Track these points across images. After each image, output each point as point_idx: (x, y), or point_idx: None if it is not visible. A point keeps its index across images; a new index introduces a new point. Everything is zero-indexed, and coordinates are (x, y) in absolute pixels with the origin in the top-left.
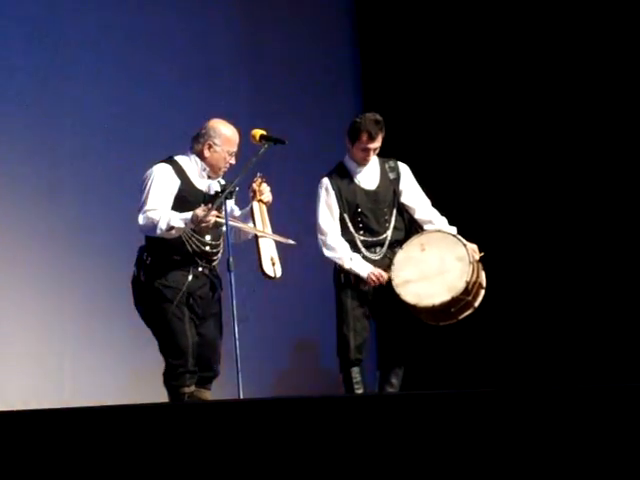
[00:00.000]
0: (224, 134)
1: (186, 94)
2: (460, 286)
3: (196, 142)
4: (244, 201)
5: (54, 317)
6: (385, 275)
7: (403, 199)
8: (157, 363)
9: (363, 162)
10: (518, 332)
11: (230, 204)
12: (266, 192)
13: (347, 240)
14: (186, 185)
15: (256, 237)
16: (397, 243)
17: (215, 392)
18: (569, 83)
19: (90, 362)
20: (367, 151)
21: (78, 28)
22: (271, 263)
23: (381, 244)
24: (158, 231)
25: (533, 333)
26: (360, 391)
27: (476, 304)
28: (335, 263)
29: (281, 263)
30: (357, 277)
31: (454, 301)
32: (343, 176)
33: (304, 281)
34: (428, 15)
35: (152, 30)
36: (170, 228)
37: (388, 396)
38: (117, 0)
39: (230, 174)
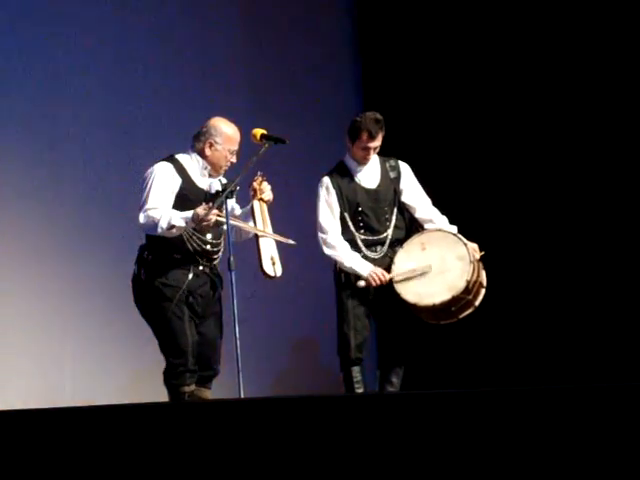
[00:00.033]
0: (225, 132)
1: (186, 94)
2: (461, 285)
3: (197, 140)
4: (244, 200)
5: (54, 317)
6: (387, 275)
7: (404, 198)
8: (157, 363)
9: (363, 161)
10: (518, 331)
11: (231, 203)
12: (267, 191)
13: (348, 239)
14: (187, 183)
15: (256, 236)
16: (398, 242)
17: (216, 391)
18: (569, 81)
19: (90, 362)
20: (367, 150)
21: (77, 20)
22: (271, 262)
23: (382, 243)
24: (159, 230)
25: (533, 332)
26: (360, 390)
27: (477, 303)
28: (335, 262)
29: (281, 262)
30: (356, 276)
31: (454, 300)
32: (344, 175)
33: (304, 280)
34: (428, 15)
35: (152, 30)
36: (171, 227)
37: (388, 395)
38: None
39: (231, 172)
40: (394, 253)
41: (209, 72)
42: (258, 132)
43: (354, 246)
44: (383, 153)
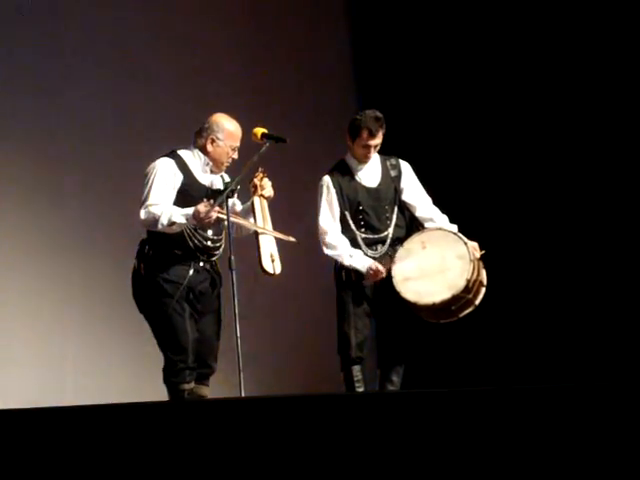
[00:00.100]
0: (227, 129)
1: (186, 93)
2: (461, 284)
3: (199, 136)
4: (245, 198)
5: (55, 317)
6: (382, 268)
7: (404, 197)
8: (158, 363)
9: (364, 159)
10: (519, 330)
11: (232, 199)
12: (267, 187)
13: (349, 238)
14: (189, 179)
15: (256, 234)
16: (398, 241)
17: (216, 390)
18: (568, 78)
19: (91, 362)
20: (368, 148)
21: (77, 20)
22: (271, 260)
23: (382, 242)
24: (159, 226)
25: (534, 331)
26: (361, 389)
27: (477, 302)
28: (336, 261)
29: (281, 260)
30: (358, 274)
31: (454, 299)
32: (344, 173)
33: (304, 279)
34: (426, 14)
35: (153, 30)
36: (171, 223)
37: (389, 394)
38: None
39: (232, 169)
40: (394, 252)
41: (209, 72)
42: (259, 131)
43: (355, 245)
44: (383, 152)
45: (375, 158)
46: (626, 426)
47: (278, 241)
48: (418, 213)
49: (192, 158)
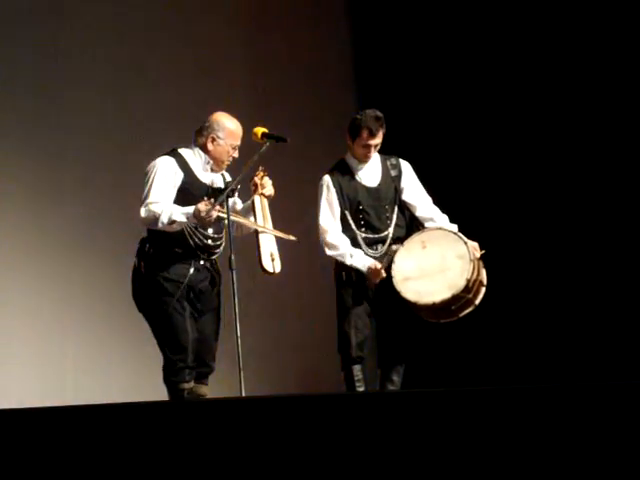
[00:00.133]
0: (228, 127)
1: (186, 93)
2: (461, 284)
3: (199, 135)
4: (245, 196)
5: (55, 316)
6: (379, 265)
7: (404, 196)
8: (158, 362)
9: (364, 159)
10: (519, 330)
11: (232, 198)
12: (268, 185)
13: (349, 237)
14: (190, 178)
15: (256, 232)
16: (398, 240)
17: (217, 390)
18: (568, 78)
19: (91, 361)
20: (368, 147)
21: (76, 26)
22: (270, 259)
23: (383, 241)
24: (159, 224)
25: (534, 331)
26: (361, 389)
27: (477, 302)
28: (336, 261)
29: (281, 259)
30: (358, 273)
31: (455, 299)
32: (344, 173)
33: (304, 278)
34: (426, 14)
35: (153, 29)
36: (172, 222)
37: (389, 394)
38: None
39: (233, 168)
40: (394, 251)
41: (209, 72)
42: (259, 130)
43: (355, 244)
44: (383, 152)
45: (375, 158)
46: (626, 426)
47: (278, 240)
48: (418, 213)
49: (193, 157)
